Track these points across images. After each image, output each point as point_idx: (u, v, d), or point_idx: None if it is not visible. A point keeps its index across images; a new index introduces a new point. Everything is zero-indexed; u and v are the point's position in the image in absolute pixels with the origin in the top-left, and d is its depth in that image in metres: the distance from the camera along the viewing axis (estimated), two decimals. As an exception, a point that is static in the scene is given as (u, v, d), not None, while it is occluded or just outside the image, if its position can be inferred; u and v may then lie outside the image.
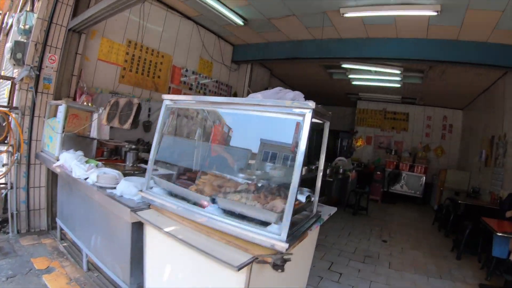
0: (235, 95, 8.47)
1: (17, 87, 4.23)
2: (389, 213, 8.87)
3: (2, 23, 8.15)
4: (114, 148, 4.58)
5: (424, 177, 10.72)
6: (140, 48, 5.74)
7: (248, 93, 8.57)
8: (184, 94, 6.81)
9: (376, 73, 8.52)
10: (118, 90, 5.46)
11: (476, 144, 8.75)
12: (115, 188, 2.75)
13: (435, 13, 4.72)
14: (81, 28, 4.61)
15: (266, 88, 9.05)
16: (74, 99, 4.66)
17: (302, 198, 2.44)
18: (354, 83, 9.70)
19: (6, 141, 4.02)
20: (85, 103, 4.26)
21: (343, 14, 5.28)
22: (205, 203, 2.18)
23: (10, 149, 4.02)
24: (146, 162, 5.23)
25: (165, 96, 2.59)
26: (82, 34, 4.71)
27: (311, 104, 1.72)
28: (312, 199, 2.50)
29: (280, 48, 7.33)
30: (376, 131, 12.57)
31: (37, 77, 4.19)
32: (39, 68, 4.21)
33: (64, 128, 3.67)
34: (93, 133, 4.06)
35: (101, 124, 4.08)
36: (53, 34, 4.33)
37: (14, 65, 4.23)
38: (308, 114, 1.77)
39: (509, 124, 6.49)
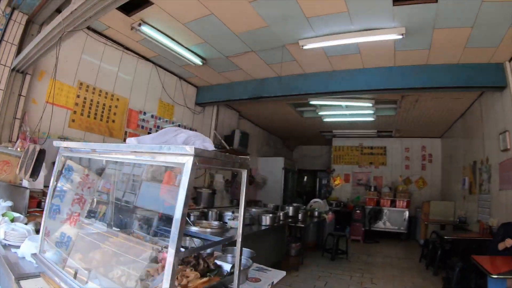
0: (202, 139, 8.10)
1: None
2: (371, 253, 8.29)
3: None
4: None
5: (407, 211, 10.34)
6: (93, 91, 5.38)
7: (215, 137, 8.28)
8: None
9: (348, 108, 8.45)
10: (67, 135, 4.99)
11: (458, 172, 8.52)
12: (20, 247, 2.22)
13: (400, 37, 4.60)
14: (24, 67, 4.27)
15: (233, 131, 8.77)
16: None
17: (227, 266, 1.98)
18: (326, 120, 9.60)
19: None
20: (18, 149, 3.75)
21: (302, 46, 5.18)
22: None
23: None
24: None
25: (55, 143, 2.20)
26: (26, 75, 4.36)
27: (189, 149, 1.30)
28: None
29: (243, 88, 7.20)
30: (354, 168, 12.32)
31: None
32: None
33: None
34: (25, 182, 3.51)
35: (35, 169, 3.56)
36: None
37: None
38: (189, 162, 1.32)
39: (490, 147, 6.20)
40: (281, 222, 5.47)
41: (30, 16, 4.32)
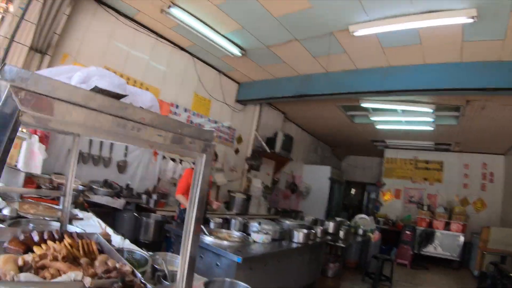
0: (239, 140, 7.50)
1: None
2: (418, 282, 7.03)
3: None
4: (56, 186, 3.57)
5: (462, 236, 8.78)
6: (120, 77, 4.98)
7: (256, 139, 7.63)
8: (175, 133, 5.90)
9: (404, 113, 7.35)
10: (87, 123, 4.63)
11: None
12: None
13: (470, 20, 3.58)
14: (43, 46, 3.95)
15: (276, 134, 8.05)
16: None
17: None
18: (378, 127, 8.48)
19: None
20: (24, 130, 3.37)
21: (353, 32, 4.32)
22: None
23: None
24: (97, 206, 4.24)
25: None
26: (45, 55, 4.03)
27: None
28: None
29: (287, 85, 6.44)
30: (406, 183, 10.90)
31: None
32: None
33: None
34: (20, 164, 3.11)
35: (31, 154, 3.15)
36: (12, 53, 3.72)
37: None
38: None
39: None
40: (317, 240, 4.63)
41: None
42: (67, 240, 1.54)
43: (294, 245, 4.04)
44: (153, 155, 5.52)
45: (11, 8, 3.50)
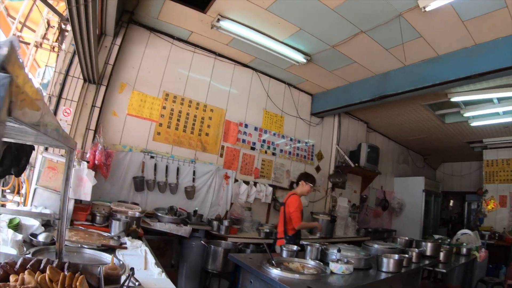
0: (319, 156, 6.80)
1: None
2: None
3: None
4: (109, 213, 3.43)
5: None
6: (181, 101, 4.89)
7: (337, 153, 6.87)
8: (244, 154, 5.55)
9: (501, 102, 5.82)
10: (152, 149, 4.57)
11: None
12: None
13: None
14: (96, 77, 4.05)
15: (359, 146, 7.12)
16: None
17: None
18: (473, 124, 6.88)
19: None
20: (78, 158, 3.36)
21: (424, 8, 3.46)
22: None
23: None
24: (161, 234, 3.99)
25: None
26: (101, 86, 4.12)
27: None
28: None
29: (362, 88, 5.63)
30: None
31: (50, 130, 3.66)
32: (52, 121, 3.69)
33: (38, 181, 3.03)
34: (70, 191, 3.04)
35: (80, 181, 3.06)
36: (69, 86, 3.92)
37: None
38: None
39: None
40: (412, 266, 3.61)
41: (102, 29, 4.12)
42: (47, 272, 1.30)
43: (383, 276, 3.13)
44: (224, 179, 5.21)
45: (64, 45, 3.66)
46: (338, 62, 5.18)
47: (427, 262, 4.00)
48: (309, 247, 3.46)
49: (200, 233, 4.39)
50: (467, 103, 6.16)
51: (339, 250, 3.21)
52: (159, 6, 4.22)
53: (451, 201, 12.10)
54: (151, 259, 2.39)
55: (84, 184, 3.07)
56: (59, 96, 3.83)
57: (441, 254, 4.34)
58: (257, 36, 4.53)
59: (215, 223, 4.66)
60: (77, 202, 3.25)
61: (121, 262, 2.02)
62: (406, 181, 9.10)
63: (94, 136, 3.99)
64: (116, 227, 2.91)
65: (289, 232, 4.10)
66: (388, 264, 3.20)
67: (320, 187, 6.72)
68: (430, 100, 6.11)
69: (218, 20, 4.20)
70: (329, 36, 4.46)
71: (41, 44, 4.45)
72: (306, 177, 4.32)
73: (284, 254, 3.29)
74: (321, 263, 3.04)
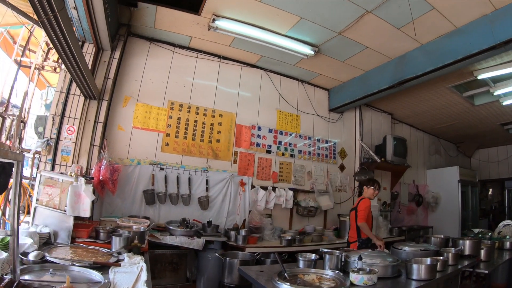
0: (342, 154, 6.44)
1: (36, 160, 3.95)
2: None
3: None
4: (113, 229, 3.32)
5: None
6: (188, 109, 4.77)
7: (361, 149, 6.52)
8: (260, 159, 5.33)
9: None
10: (161, 160, 4.47)
11: None
12: None
13: None
14: (96, 93, 4.02)
15: (384, 139, 6.69)
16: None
17: None
18: (505, 103, 6.20)
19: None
20: (73, 174, 3.27)
21: None
22: None
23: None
24: (163, 247, 3.82)
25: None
26: (102, 101, 4.08)
27: None
28: None
29: (381, 75, 5.21)
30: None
31: (55, 149, 3.80)
32: (57, 140, 3.81)
33: (37, 199, 3.02)
34: (67, 208, 2.97)
35: (78, 197, 2.99)
36: (71, 104, 3.93)
37: (38, 138, 4.02)
38: None
39: None
40: (449, 270, 3.17)
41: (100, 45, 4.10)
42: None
43: (414, 285, 2.75)
44: (240, 186, 5.01)
45: (63, 65, 3.64)
46: (348, 50, 4.83)
47: (466, 263, 3.55)
48: (327, 256, 3.07)
49: (216, 245, 4.20)
50: (496, 80, 5.55)
51: (360, 258, 2.84)
52: (153, 14, 4.14)
53: (490, 190, 11.22)
54: (144, 277, 2.25)
55: (83, 201, 2.98)
56: (62, 115, 3.83)
57: (482, 252, 3.87)
58: (257, 32, 4.32)
59: (232, 233, 4.45)
60: (80, 218, 3.19)
61: (105, 281, 1.97)
62: (439, 172, 8.46)
63: (99, 152, 3.94)
64: (116, 243, 2.79)
65: (363, 235, 4.29)
66: (419, 270, 2.81)
67: (346, 187, 6.35)
68: (455, 81, 5.58)
69: (214, 20, 4.04)
70: (333, 22, 4.13)
71: (43, 67, 4.51)
72: (367, 182, 4.76)
73: (301, 264, 2.99)
74: (341, 273, 2.73)
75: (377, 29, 4.19)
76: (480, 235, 5.14)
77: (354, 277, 2.57)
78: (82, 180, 3.03)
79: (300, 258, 3.03)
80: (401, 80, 4.78)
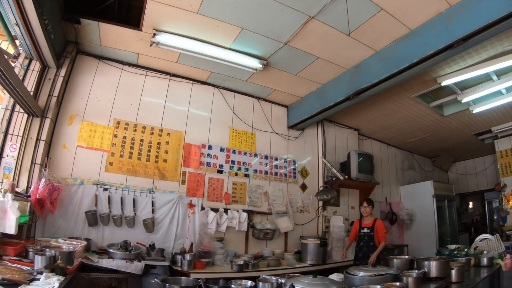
0: (304, 173, 6.86)
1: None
2: None
3: None
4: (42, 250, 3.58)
5: None
6: (134, 128, 5.13)
7: (324, 167, 6.93)
8: (211, 179, 5.69)
9: (501, 78, 5.61)
10: (104, 180, 4.78)
11: None
12: None
13: None
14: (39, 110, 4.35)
15: (348, 155, 7.17)
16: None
17: None
18: (476, 111, 6.66)
19: None
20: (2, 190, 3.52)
21: None
22: None
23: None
24: (102, 271, 4.05)
25: None
26: (45, 119, 4.40)
27: None
28: None
29: (337, 87, 5.66)
30: (534, 178, 8.26)
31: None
32: (-1, 157, 4.10)
33: None
34: None
35: (4, 213, 3.26)
36: (14, 121, 4.21)
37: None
38: None
39: None
40: None
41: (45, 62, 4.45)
42: None
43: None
44: (188, 207, 5.31)
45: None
46: (299, 62, 5.24)
47: (432, 287, 3.43)
48: (260, 284, 3.03)
49: (160, 270, 4.44)
50: (463, 87, 5.99)
51: (292, 286, 2.71)
52: (96, 31, 4.54)
53: (471, 203, 11.95)
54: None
55: (8, 217, 3.24)
56: (6, 132, 4.11)
57: (453, 272, 3.77)
58: (201, 47, 4.74)
59: (178, 257, 4.71)
60: (10, 236, 3.40)
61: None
62: (413, 188, 9.05)
63: (40, 170, 4.21)
64: (38, 262, 3.03)
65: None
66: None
67: (309, 207, 6.73)
68: (419, 90, 6.01)
69: (154, 35, 4.46)
70: (277, 32, 4.49)
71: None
72: (370, 202, 5.85)
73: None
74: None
75: (324, 36, 4.54)
76: (455, 252, 5.29)
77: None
78: (9, 196, 3.29)
79: (232, 286, 3.08)
80: (357, 90, 5.16)
